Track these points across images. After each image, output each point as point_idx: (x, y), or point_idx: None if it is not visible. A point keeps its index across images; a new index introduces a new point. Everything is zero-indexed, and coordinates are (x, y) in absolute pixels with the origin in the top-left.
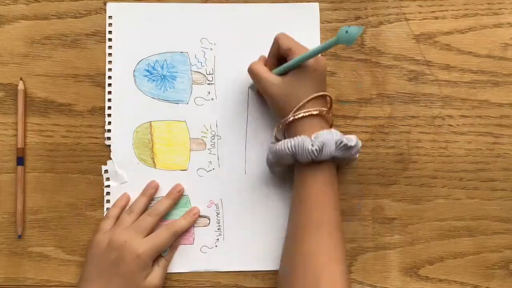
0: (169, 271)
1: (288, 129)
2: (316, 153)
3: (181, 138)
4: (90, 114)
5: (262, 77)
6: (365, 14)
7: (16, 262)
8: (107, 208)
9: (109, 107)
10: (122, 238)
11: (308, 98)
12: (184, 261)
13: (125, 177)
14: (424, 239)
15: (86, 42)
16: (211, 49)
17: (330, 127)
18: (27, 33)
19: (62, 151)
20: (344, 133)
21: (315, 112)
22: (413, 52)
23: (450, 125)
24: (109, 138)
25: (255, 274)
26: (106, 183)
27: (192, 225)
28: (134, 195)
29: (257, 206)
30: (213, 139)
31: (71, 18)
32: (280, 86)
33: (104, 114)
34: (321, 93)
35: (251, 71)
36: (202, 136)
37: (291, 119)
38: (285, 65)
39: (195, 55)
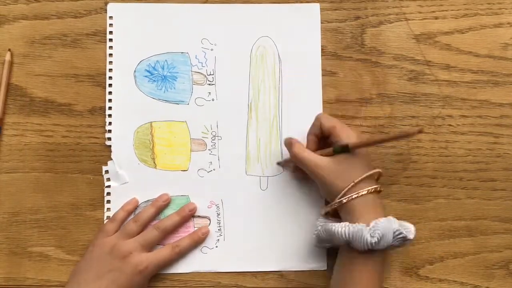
0: (169, 271)
1: (341, 208)
2: (373, 245)
3: (182, 139)
4: (90, 114)
5: (311, 161)
6: (365, 14)
7: (16, 262)
8: (108, 209)
9: (110, 108)
10: (127, 248)
11: (363, 176)
12: (184, 261)
13: (125, 178)
14: (424, 239)
15: (86, 42)
16: (211, 49)
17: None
18: (27, 33)
19: (62, 151)
20: None
21: (366, 192)
22: (413, 52)
23: (450, 125)
24: (109, 139)
25: (255, 274)
26: (106, 183)
27: (198, 244)
28: (135, 195)
29: (257, 206)
30: (214, 139)
31: (71, 18)
32: (331, 168)
33: (104, 114)
34: (374, 170)
35: (297, 158)
36: (202, 137)
37: (345, 200)
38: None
39: (196, 56)
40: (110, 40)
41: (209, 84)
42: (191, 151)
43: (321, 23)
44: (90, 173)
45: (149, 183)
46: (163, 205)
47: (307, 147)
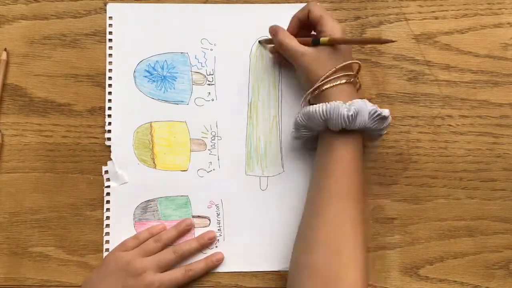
0: None
1: (317, 97)
2: (350, 119)
3: (182, 139)
4: (89, 114)
5: (293, 48)
6: (365, 14)
7: (16, 262)
8: (107, 209)
9: (109, 108)
10: (142, 267)
11: (342, 65)
12: (184, 262)
13: (125, 178)
14: (424, 239)
15: (85, 42)
16: (211, 49)
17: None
18: (27, 33)
19: (62, 151)
20: None
21: (344, 80)
22: (413, 52)
23: (450, 125)
24: (109, 139)
25: (255, 274)
26: (106, 183)
27: (211, 269)
28: (134, 196)
29: (257, 206)
30: (214, 139)
31: (70, 18)
32: (314, 56)
33: (104, 114)
34: (353, 61)
35: (281, 45)
36: (202, 137)
37: (324, 88)
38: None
39: (195, 56)
40: (110, 40)
41: (209, 84)
42: (190, 151)
43: None
44: (90, 173)
45: (148, 183)
46: (185, 229)
47: (288, 29)
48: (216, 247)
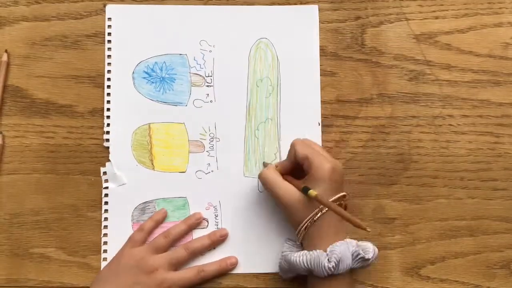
0: None
1: (304, 238)
2: (332, 270)
3: (180, 140)
4: (91, 115)
5: (275, 185)
6: (365, 14)
7: (17, 263)
8: (105, 210)
9: (108, 109)
10: (154, 264)
11: (320, 213)
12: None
13: (123, 179)
14: (425, 239)
15: (86, 43)
16: (210, 51)
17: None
18: (28, 34)
19: (63, 152)
20: (345, 133)
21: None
22: (413, 52)
23: (451, 125)
24: (107, 140)
25: (255, 275)
26: (104, 184)
27: (224, 273)
28: (132, 197)
29: (255, 208)
30: (212, 141)
31: (71, 19)
32: (295, 196)
33: (104, 116)
34: (339, 195)
35: (263, 178)
36: (200, 138)
37: (308, 225)
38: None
39: (194, 57)
40: (109, 41)
41: (208, 86)
42: (189, 152)
43: (321, 23)
44: (91, 174)
45: (147, 184)
46: (195, 223)
47: (278, 169)
48: (214, 248)
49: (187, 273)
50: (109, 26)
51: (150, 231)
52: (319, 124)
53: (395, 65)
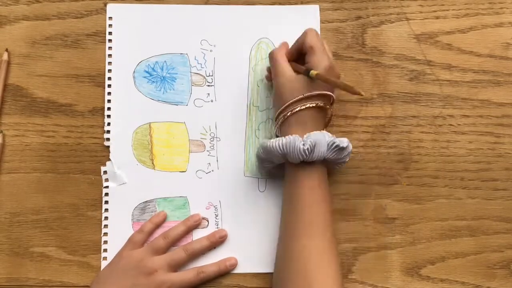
0: None
1: (283, 125)
2: (307, 153)
3: (180, 140)
4: (91, 115)
5: (280, 66)
6: (366, 14)
7: (17, 262)
8: (106, 209)
9: (109, 108)
10: (154, 266)
11: (311, 93)
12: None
13: (124, 178)
14: (425, 239)
15: (87, 42)
16: (211, 50)
17: (326, 126)
18: (28, 33)
19: (64, 151)
20: (345, 133)
21: (309, 104)
22: (414, 51)
23: (451, 125)
24: (108, 139)
25: (255, 274)
26: (105, 184)
27: (223, 274)
28: (132, 196)
29: (255, 208)
30: (212, 140)
31: (71, 19)
32: (292, 81)
33: (105, 115)
34: (325, 91)
35: (271, 56)
36: (201, 138)
37: (289, 113)
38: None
39: (195, 57)
40: (110, 40)
41: (208, 85)
42: (189, 152)
43: (322, 23)
44: (91, 173)
45: (147, 184)
46: (194, 224)
47: (289, 52)
48: (214, 248)
49: (187, 274)
50: (110, 25)
51: (150, 233)
52: None
53: (396, 65)
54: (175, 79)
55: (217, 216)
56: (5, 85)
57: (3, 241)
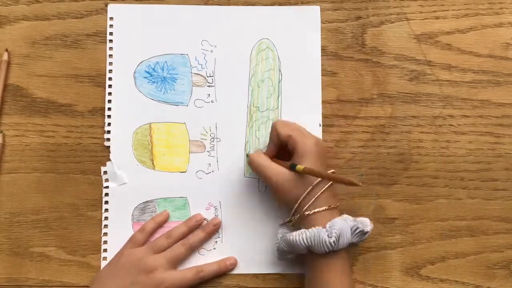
0: None
1: (301, 220)
2: (333, 245)
3: (181, 140)
4: (91, 115)
5: (268, 169)
6: (366, 14)
7: (17, 262)
8: (106, 209)
9: (109, 108)
10: (154, 264)
11: (321, 192)
12: (183, 265)
13: (124, 179)
14: (425, 239)
15: (87, 42)
16: (211, 51)
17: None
18: (28, 33)
19: (63, 152)
20: (345, 133)
21: (325, 207)
22: (414, 52)
23: (451, 125)
24: (108, 139)
25: (255, 274)
26: (105, 184)
27: (223, 273)
28: (132, 197)
29: (255, 208)
30: (213, 141)
31: (72, 19)
32: (290, 180)
33: (105, 115)
34: (330, 171)
35: (252, 164)
36: (201, 138)
37: (306, 213)
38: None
39: (196, 57)
40: (110, 41)
41: (209, 86)
42: (189, 152)
43: (322, 23)
44: (91, 173)
45: (147, 184)
46: (195, 225)
47: (266, 152)
48: (214, 249)
49: (186, 273)
50: (111, 26)
51: (151, 232)
52: (320, 125)
53: (396, 65)
54: (176, 79)
55: (217, 216)
56: (5, 85)
57: (3, 241)
